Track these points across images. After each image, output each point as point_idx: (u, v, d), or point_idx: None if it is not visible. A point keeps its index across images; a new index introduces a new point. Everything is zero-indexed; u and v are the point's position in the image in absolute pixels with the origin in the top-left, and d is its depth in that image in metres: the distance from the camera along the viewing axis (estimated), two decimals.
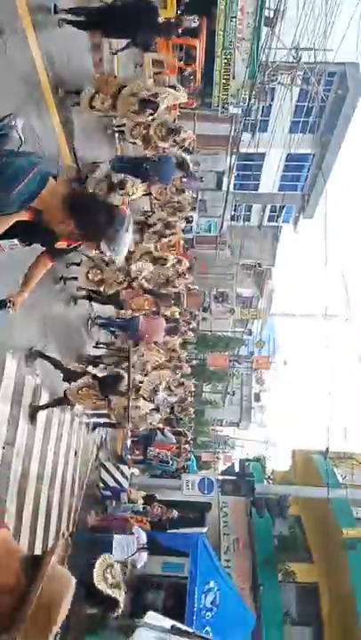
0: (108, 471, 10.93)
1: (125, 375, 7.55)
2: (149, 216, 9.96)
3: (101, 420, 9.45)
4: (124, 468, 11.34)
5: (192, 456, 20.25)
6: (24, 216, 2.69)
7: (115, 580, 4.94)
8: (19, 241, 3.08)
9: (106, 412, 7.82)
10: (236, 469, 15.44)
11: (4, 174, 2.59)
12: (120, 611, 4.96)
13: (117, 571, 5.08)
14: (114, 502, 10.47)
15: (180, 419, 18.91)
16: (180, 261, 10.95)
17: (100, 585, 4.79)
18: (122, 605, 4.91)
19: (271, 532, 13.02)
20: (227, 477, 14.19)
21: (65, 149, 7.21)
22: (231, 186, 24.58)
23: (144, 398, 8.41)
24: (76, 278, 7.67)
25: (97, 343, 10.08)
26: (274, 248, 31.31)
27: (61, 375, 7.17)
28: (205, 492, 12.25)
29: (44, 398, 7.04)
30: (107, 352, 9.85)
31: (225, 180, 24.48)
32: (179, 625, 6.93)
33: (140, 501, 10.81)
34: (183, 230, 15.21)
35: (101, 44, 8.72)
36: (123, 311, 9.08)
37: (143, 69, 13.63)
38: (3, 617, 1.47)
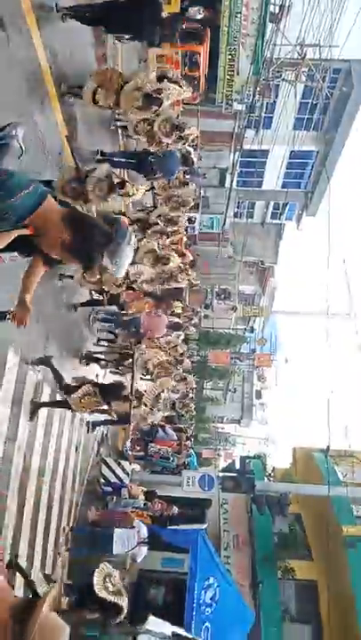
0: (108, 467, 10.96)
1: (127, 384, 7.58)
2: (150, 211, 9.90)
3: (102, 417, 9.47)
4: (124, 463, 11.36)
5: (193, 452, 20.27)
6: (25, 232, 2.67)
7: (115, 587, 4.94)
8: (18, 253, 3.09)
9: (106, 408, 7.84)
10: (237, 466, 15.47)
11: (2, 189, 2.58)
12: (123, 617, 4.97)
13: (117, 578, 5.08)
14: (114, 498, 10.49)
15: (182, 415, 18.93)
16: (183, 255, 10.87)
17: (102, 594, 4.79)
18: (125, 611, 4.92)
19: (271, 529, 13.04)
20: (227, 474, 14.21)
21: (68, 150, 7.20)
22: (234, 183, 24.51)
23: (145, 405, 8.44)
24: (71, 277, 7.61)
25: (98, 340, 10.09)
26: (277, 245, 31.26)
27: (61, 389, 7.20)
28: (206, 488, 12.28)
29: (46, 394, 7.05)
30: (107, 349, 9.85)
31: (228, 176, 24.41)
32: (179, 631, 6.98)
33: (141, 497, 10.83)
34: (186, 229, 15.19)
35: (105, 40, 8.69)
36: (124, 312, 9.08)
37: (147, 64, 13.60)
38: None
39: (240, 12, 17.20)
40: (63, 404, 7.16)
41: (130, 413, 7.54)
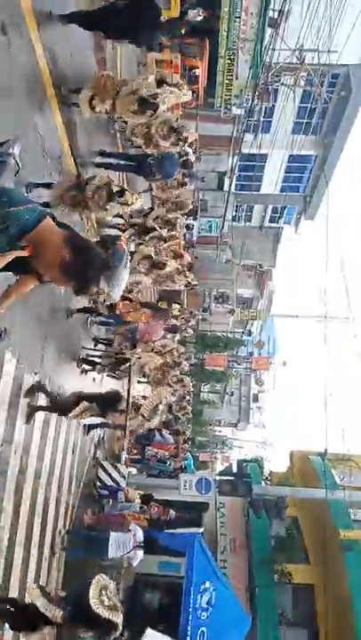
0: (105, 470, 10.92)
1: (124, 393, 7.60)
2: (147, 214, 9.89)
3: (98, 421, 9.48)
4: (121, 466, 11.34)
5: (190, 455, 20.25)
6: (23, 253, 2.66)
7: (111, 601, 4.86)
8: (13, 274, 3.09)
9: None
10: (234, 470, 15.44)
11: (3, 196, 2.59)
12: (118, 634, 4.87)
13: (113, 591, 5.01)
14: (110, 501, 10.46)
15: (178, 417, 18.92)
16: (181, 256, 10.82)
17: (99, 609, 4.71)
18: (120, 628, 4.84)
19: (268, 532, 13.02)
20: (224, 478, 14.15)
21: (67, 148, 7.21)
22: (233, 186, 24.57)
23: (143, 417, 8.46)
24: None
25: (95, 343, 10.08)
26: (275, 249, 31.32)
27: (57, 412, 7.23)
28: (203, 492, 12.24)
29: (43, 397, 7.05)
30: (104, 354, 9.81)
31: (227, 180, 24.47)
32: None
33: (138, 501, 10.80)
34: (184, 236, 15.21)
35: (104, 44, 8.72)
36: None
37: (146, 69, 13.64)
38: None
39: (239, 17, 17.26)
40: (60, 412, 7.19)
41: (126, 425, 7.56)
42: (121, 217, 8.45)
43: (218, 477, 13.65)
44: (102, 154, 9.03)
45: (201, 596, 8.89)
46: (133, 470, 13.34)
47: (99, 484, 10.69)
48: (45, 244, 2.60)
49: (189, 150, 9.96)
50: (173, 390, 15.60)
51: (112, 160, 9.32)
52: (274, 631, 11.44)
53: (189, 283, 13.20)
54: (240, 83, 18.74)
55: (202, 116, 19.23)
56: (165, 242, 9.63)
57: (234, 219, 28.17)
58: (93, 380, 10.05)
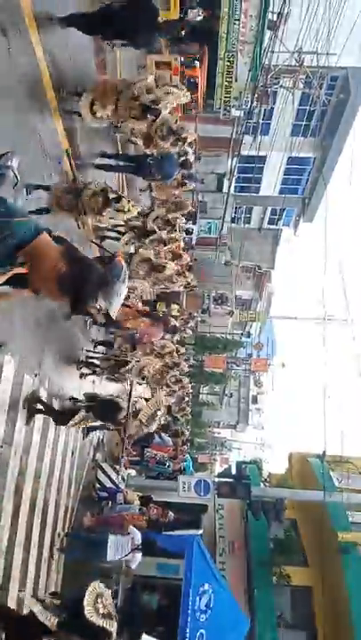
0: (104, 472, 10.91)
1: (124, 405, 7.61)
2: (147, 214, 9.87)
3: (97, 423, 9.50)
4: (120, 468, 11.33)
5: (188, 457, 20.24)
6: (21, 270, 2.63)
7: (106, 609, 4.83)
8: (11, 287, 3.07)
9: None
10: (233, 472, 15.43)
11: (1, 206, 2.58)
12: None
13: (108, 599, 4.98)
14: (110, 503, 10.46)
15: (177, 419, 18.92)
16: (180, 256, 10.80)
17: (93, 617, 4.69)
18: (114, 637, 4.82)
19: (267, 534, 13.01)
20: (223, 480, 14.16)
21: (67, 149, 7.21)
22: (232, 188, 24.60)
23: (141, 422, 8.46)
24: None
25: (95, 344, 10.08)
26: (274, 251, 31.36)
27: (56, 422, 7.25)
28: (202, 493, 12.24)
29: (43, 398, 7.05)
30: (103, 357, 9.80)
31: (226, 182, 24.51)
32: None
33: (137, 502, 10.79)
34: (184, 239, 15.20)
35: (104, 46, 8.71)
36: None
37: (146, 71, 13.65)
38: None
39: (239, 20, 17.30)
40: (58, 422, 7.22)
41: (125, 434, 7.58)
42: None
43: (217, 479, 13.65)
44: (103, 155, 9.05)
45: (200, 598, 8.88)
46: (132, 472, 13.33)
47: (98, 485, 10.69)
48: (42, 257, 2.57)
49: (189, 150, 9.97)
50: (172, 391, 15.60)
51: (112, 161, 9.34)
52: (272, 633, 11.42)
53: (189, 283, 13.19)
54: (239, 85, 18.77)
55: (201, 118, 19.26)
56: (165, 245, 9.62)
57: (233, 220, 28.21)
58: (93, 382, 10.05)
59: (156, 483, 13.68)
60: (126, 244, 8.76)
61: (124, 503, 10.43)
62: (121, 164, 9.59)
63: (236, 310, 32.25)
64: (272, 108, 21.75)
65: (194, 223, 22.41)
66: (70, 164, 6.38)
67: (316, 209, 26.13)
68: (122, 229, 8.70)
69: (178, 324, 14.00)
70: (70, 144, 7.18)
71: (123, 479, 10.95)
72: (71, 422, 7.10)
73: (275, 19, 17.23)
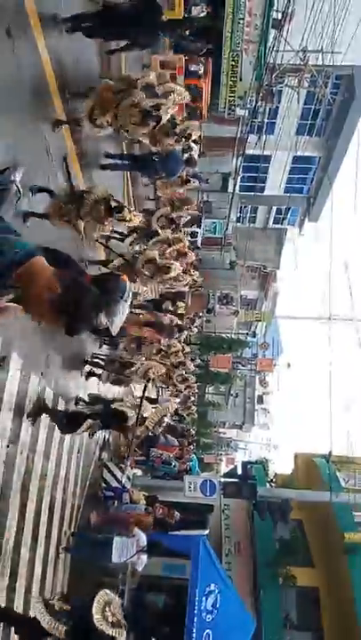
0: (110, 471, 10.92)
1: (131, 415, 7.61)
2: (152, 213, 9.82)
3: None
4: (126, 467, 11.33)
5: (194, 457, 20.23)
6: (11, 297, 2.50)
7: (115, 617, 4.79)
8: None
9: None
10: (239, 472, 15.42)
11: None
12: None
13: (117, 606, 4.94)
14: (115, 502, 10.46)
15: (183, 417, 18.92)
16: (185, 254, 10.77)
17: (102, 626, 4.65)
18: None
19: (273, 535, 12.99)
20: (229, 480, 14.15)
21: (73, 154, 7.22)
22: (237, 188, 24.58)
23: (148, 429, 8.46)
24: None
25: (100, 344, 10.06)
26: (279, 250, 31.31)
27: (62, 431, 7.30)
28: (207, 494, 12.23)
29: (48, 400, 7.06)
30: (107, 359, 9.74)
31: (231, 181, 24.49)
32: None
33: (143, 502, 10.79)
34: (190, 243, 15.19)
35: (108, 46, 8.71)
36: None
37: (150, 70, 13.65)
38: None
39: (243, 19, 17.29)
40: (64, 431, 7.25)
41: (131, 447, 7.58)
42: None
43: (222, 479, 13.64)
44: (107, 156, 9.06)
45: (206, 599, 8.88)
46: (138, 472, 13.33)
47: (104, 485, 10.70)
48: (35, 278, 2.46)
49: (194, 146, 9.96)
50: (178, 391, 15.60)
51: (117, 161, 9.36)
52: (279, 634, 11.41)
53: (195, 282, 13.16)
54: (244, 84, 18.76)
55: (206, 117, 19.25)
56: (170, 245, 9.61)
57: (238, 220, 28.18)
58: (98, 384, 10.03)
59: (161, 482, 13.67)
60: (131, 244, 8.76)
61: (130, 503, 10.43)
62: (126, 162, 9.61)
63: (242, 310, 32.22)
64: (277, 107, 21.71)
65: (198, 226, 22.40)
66: (68, 171, 6.32)
67: (322, 208, 26.06)
68: (125, 231, 8.70)
69: (183, 323, 13.99)
70: (75, 143, 7.18)
71: (128, 478, 10.95)
72: (78, 431, 7.14)
73: (279, 17, 17.21)
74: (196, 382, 19.33)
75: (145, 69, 12.87)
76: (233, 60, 18.24)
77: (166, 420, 9.10)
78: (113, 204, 6.01)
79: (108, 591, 5.04)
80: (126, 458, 10.38)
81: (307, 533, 13.63)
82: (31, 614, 5.16)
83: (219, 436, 42.97)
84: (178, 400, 15.67)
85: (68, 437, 8.20)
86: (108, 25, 6.84)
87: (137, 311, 8.95)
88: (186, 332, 13.95)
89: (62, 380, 7.86)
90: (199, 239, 24.15)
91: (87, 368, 9.42)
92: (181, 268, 10.00)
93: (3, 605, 5.55)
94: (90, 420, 7.19)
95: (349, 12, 16.07)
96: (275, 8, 17.37)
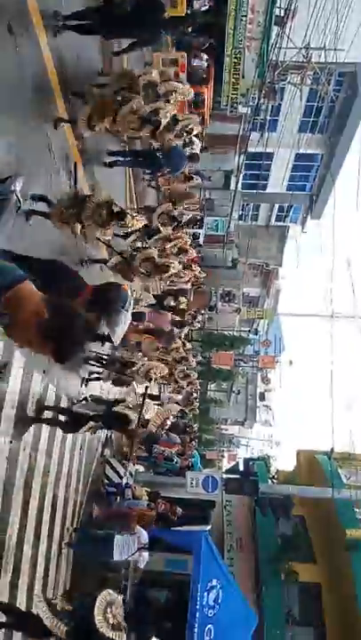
0: (112, 467, 10.97)
1: (133, 418, 7.63)
2: (153, 210, 9.80)
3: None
4: (128, 464, 11.37)
5: (196, 453, 20.27)
6: None
7: (116, 619, 4.80)
8: None
9: None
10: (241, 468, 15.47)
11: None
12: None
13: (119, 607, 4.95)
14: (118, 498, 10.50)
15: (186, 413, 18.93)
16: (185, 251, 10.77)
17: (103, 628, 4.67)
18: None
19: (275, 531, 13.03)
20: (231, 476, 14.20)
21: (75, 152, 7.24)
22: (239, 185, 24.57)
23: (150, 431, 8.47)
24: None
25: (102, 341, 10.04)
26: (281, 248, 31.29)
27: (64, 431, 7.33)
28: (210, 490, 12.27)
29: (50, 399, 7.09)
30: (108, 359, 9.72)
31: (233, 179, 24.47)
32: None
33: (145, 498, 10.85)
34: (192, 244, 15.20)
35: (110, 43, 8.72)
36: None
37: (152, 68, 13.65)
38: None
39: (246, 16, 17.26)
40: (66, 430, 7.28)
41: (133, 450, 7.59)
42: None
43: (225, 475, 13.68)
44: (110, 153, 9.08)
45: (208, 594, 8.92)
46: (141, 468, 13.37)
47: (106, 481, 10.74)
48: (23, 303, 2.37)
49: (195, 140, 9.97)
50: (180, 387, 15.60)
51: (120, 158, 9.39)
52: (281, 629, 11.46)
53: (197, 279, 13.11)
54: (246, 81, 18.75)
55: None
56: (171, 241, 9.63)
57: (240, 217, 28.18)
58: (101, 385, 10.04)
59: (163, 479, 13.71)
60: (133, 241, 8.78)
61: (133, 498, 10.48)
62: (129, 159, 9.65)
63: (244, 307, 32.23)
64: (279, 105, 21.67)
65: (200, 227, 22.39)
66: (75, 176, 6.31)
67: (324, 205, 26.03)
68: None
69: (185, 319, 13.99)
70: (77, 139, 7.20)
71: (131, 475, 10.99)
72: (80, 431, 7.17)
73: (282, 14, 17.17)
74: (199, 379, 19.34)
75: (147, 67, 12.88)
76: (235, 58, 18.20)
77: (169, 422, 9.11)
78: (115, 208, 5.98)
79: (110, 591, 5.06)
80: (128, 460, 10.41)
81: (309, 529, 13.67)
82: (34, 612, 5.19)
83: (221, 432, 43.04)
84: (180, 397, 15.70)
85: (70, 435, 8.25)
86: (109, 22, 6.79)
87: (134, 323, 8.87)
88: (187, 328, 13.93)
89: (64, 381, 7.89)
90: (201, 239, 24.15)
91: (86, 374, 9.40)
92: (180, 267, 9.99)
93: (6, 601, 5.60)
94: (92, 422, 7.22)
95: (352, 9, 16.02)
96: (277, 5, 17.33)
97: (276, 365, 34.48)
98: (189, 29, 12.87)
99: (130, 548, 8.55)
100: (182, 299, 12.13)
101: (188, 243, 11.49)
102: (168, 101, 7.17)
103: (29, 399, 6.31)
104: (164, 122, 6.88)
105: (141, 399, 8.13)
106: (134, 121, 6.35)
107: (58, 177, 6.58)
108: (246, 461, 16.87)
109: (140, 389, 8.86)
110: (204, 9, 14.25)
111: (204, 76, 17.09)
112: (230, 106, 19.74)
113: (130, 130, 6.53)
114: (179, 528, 10.71)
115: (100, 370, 9.30)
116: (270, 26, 17.38)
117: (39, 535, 6.77)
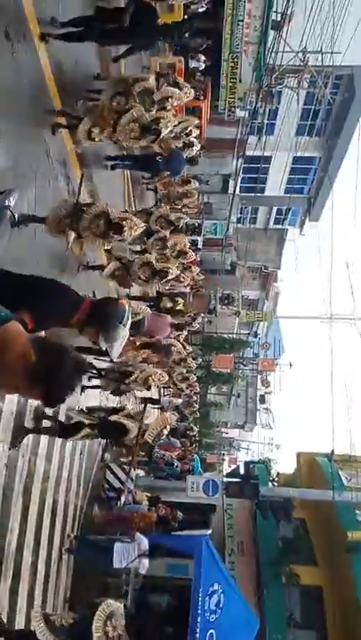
0: (113, 472, 10.95)
1: (130, 427, 7.60)
2: (151, 213, 9.79)
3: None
4: (129, 471, 11.35)
5: (196, 457, 20.24)
6: None
7: (116, 632, 4.74)
8: None
9: None
10: (242, 471, 15.44)
11: None
12: None
13: (120, 618, 4.86)
14: (118, 503, 10.48)
15: (186, 416, 18.90)
16: (185, 253, 10.73)
17: None
18: None
19: (275, 534, 13.00)
20: (232, 479, 14.18)
21: (73, 157, 7.25)
22: (237, 189, 24.61)
23: (147, 442, 8.44)
24: None
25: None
26: (280, 251, 31.33)
27: (59, 436, 7.26)
28: (210, 493, 12.24)
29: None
30: (106, 369, 9.68)
31: (231, 182, 24.52)
32: None
33: (145, 502, 10.83)
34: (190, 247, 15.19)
35: (107, 49, 8.74)
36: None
37: (149, 72, 13.69)
38: None
39: (242, 20, 17.34)
40: (61, 435, 7.25)
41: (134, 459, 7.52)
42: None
43: (225, 479, 13.66)
44: (108, 158, 9.11)
45: (209, 599, 8.88)
46: (141, 472, 13.35)
47: (106, 486, 10.73)
48: (8, 346, 2.24)
49: (195, 141, 10.00)
50: (179, 390, 15.56)
51: (118, 162, 9.42)
52: (282, 633, 11.42)
53: (195, 282, 13.04)
54: (244, 85, 18.82)
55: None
56: (169, 243, 9.63)
57: (239, 221, 28.21)
58: (100, 394, 10.01)
59: (164, 483, 13.69)
60: (130, 244, 8.77)
61: (133, 503, 10.46)
62: (128, 162, 9.69)
63: (243, 310, 32.24)
64: (277, 108, 21.75)
65: (198, 234, 22.40)
66: (80, 188, 6.29)
67: (322, 208, 26.08)
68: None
69: (184, 321, 13.92)
70: (75, 144, 7.21)
71: (131, 479, 10.97)
72: (76, 436, 7.13)
73: (278, 18, 17.24)
74: (198, 382, 19.31)
75: (145, 70, 12.93)
76: (233, 62, 18.28)
77: (165, 432, 9.05)
78: (113, 219, 5.92)
79: (111, 601, 4.95)
80: (128, 472, 10.38)
81: (310, 532, 13.64)
82: (32, 627, 5.11)
83: (221, 435, 42.98)
84: (180, 401, 15.67)
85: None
86: (103, 29, 6.78)
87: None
88: (186, 330, 13.89)
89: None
90: (200, 244, 24.18)
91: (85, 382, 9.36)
92: (178, 271, 9.95)
93: (5, 622, 5.50)
94: (87, 430, 7.16)
95: (349, 13, 16.08)
96: (274, 9, 17.41)
97: (276, 368, 34.47)
98: (186, 34, 12.89)
99: (130, 555, 8.51)
100: (179, 299, 12.06)
101: (188, 245, 11.51)
102: (164, 108, 7.19)
103: (28, 404, 6.30)
104: (164, 132, 6.88)
105: (142, 406, 8.10)
106: (135, 129, 6.36)
107: (56, 182, 6.60)
108: (247, 464, 16.84)
109: (140, 394, 8.83)
110: (201, 10, 14.26)
111: (202, 91, 17.08)
112: (228, 110, 19.81)
113: (130, 139, 6.54)
114: (179, 533, 10.67)
115: (99, 382, 9.29)
116: (267, 30, 17.46)
117: (39, 541, 6.75)
